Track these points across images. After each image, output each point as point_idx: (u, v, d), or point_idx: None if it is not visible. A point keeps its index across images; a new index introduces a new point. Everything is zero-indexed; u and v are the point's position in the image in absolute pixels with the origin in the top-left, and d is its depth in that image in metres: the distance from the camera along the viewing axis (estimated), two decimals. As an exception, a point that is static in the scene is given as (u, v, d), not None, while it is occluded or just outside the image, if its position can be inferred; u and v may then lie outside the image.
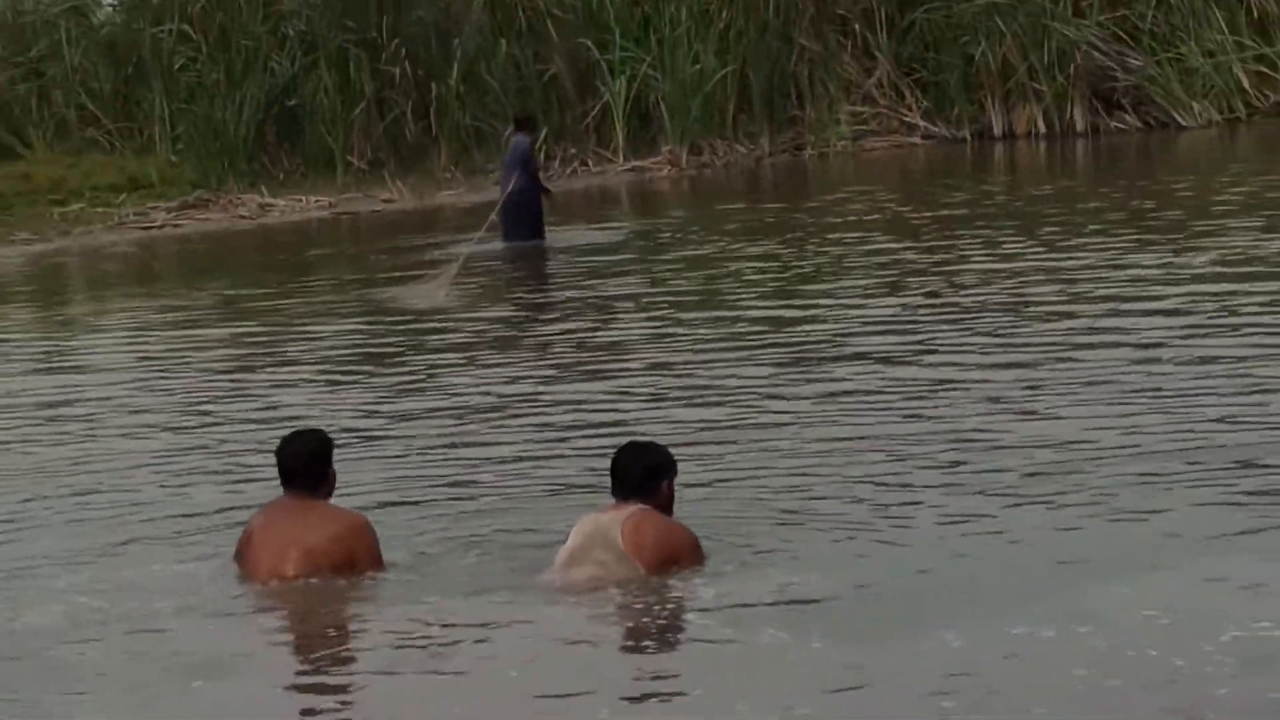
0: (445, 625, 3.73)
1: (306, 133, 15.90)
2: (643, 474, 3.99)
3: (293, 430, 4.73)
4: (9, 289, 12.78)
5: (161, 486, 5.77)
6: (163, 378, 8.43)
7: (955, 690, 2.92)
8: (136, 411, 7.45)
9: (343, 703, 3.37)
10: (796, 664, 3.23)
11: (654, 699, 3.19)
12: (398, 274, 11.16)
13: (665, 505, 3.99)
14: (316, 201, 15.06)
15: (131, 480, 5.96)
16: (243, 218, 15.09)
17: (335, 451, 4.48)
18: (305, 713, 3.40)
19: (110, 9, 17.48)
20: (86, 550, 4.59)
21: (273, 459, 4.45)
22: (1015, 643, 3.22)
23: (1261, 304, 7.64)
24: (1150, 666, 2.95)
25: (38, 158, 16.22)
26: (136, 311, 11.16)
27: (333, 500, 4.39)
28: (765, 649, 3.32)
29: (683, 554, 3.97)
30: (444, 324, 9.37)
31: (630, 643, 3.64)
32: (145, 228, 14.79)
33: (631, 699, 3.16)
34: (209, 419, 7.13)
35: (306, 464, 4.21)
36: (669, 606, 3.76)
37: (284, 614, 4.27)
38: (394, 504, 5.11)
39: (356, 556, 4.28)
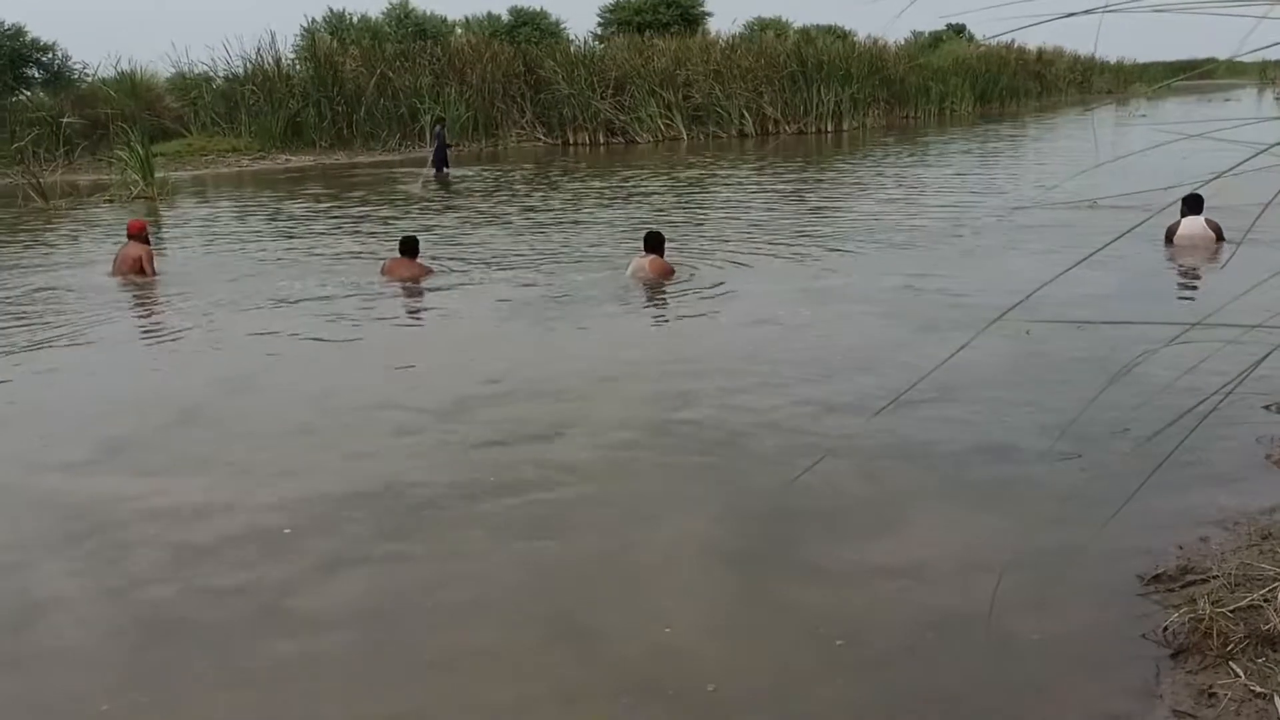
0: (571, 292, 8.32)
1: (305, 131, 26.48)
2: (656, 241, 8.41)
3: (407, 234, 9.49)
4: (186, 186, 20.18)
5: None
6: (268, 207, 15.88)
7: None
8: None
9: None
10: (717, 322, 7.25)
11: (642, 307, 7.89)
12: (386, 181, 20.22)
13: (662, 255, 8.33)
14: (310, 158, 25.18)
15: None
16: (277, 165, 24.28)
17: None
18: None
19: (222, 79, 27.30)
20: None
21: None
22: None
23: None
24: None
25: (194, 137, 26.05)
26: (237, 192, 18.82)
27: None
28: (701, 316, 7.52)
29: (669, 273, 8.38)
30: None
31: (642, 296, 8.13)
32: (237, 167, 24.08)
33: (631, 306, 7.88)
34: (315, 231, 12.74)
35: (410, 245, 9.13)
36: (664, 285, 8.32)
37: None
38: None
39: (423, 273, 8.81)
